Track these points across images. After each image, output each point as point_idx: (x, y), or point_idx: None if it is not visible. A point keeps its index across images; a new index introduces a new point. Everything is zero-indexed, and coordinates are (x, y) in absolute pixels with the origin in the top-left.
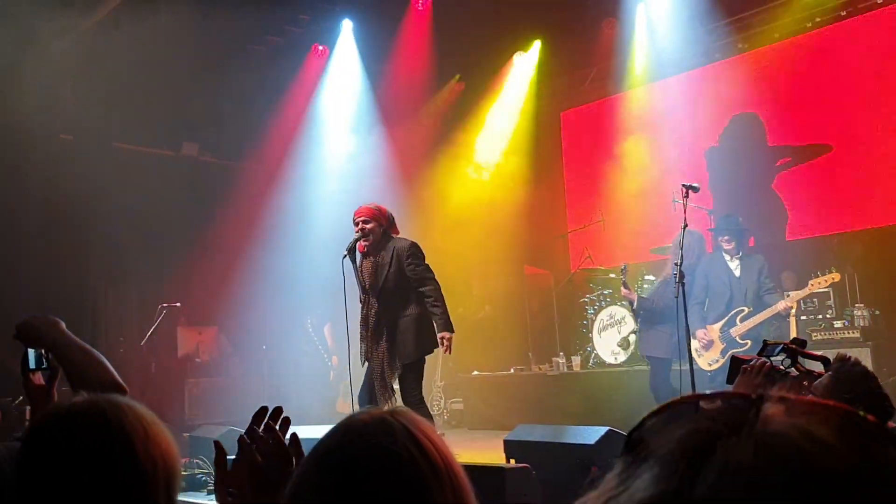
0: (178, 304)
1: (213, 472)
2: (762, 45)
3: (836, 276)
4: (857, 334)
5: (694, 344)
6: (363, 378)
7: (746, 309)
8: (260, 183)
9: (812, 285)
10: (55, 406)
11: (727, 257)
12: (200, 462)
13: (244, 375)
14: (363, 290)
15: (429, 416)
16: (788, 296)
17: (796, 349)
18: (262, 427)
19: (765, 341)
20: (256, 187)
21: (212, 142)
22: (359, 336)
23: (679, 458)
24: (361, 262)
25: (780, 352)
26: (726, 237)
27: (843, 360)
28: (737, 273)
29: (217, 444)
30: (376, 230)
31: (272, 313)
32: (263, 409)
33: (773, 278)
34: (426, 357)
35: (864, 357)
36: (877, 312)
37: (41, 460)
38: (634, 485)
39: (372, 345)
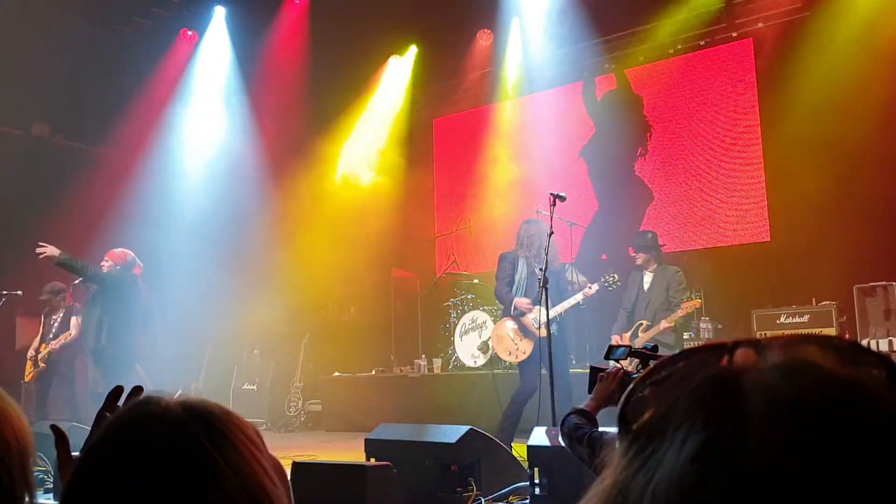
0: (20, 293)
1: (51, 469)
2: (627, 66)
3: (698, 303)
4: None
5: None
6: None
7: (645, 322)
8: (118, 169)
9: (683, 308)
10: None
11: (643, 270)
12: (38, 459)
13: (90, 370)
14: None
15: None
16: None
17: (647, 353)
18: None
19: (610, 345)
20: (114, 173)
21: (66, 123)
22: None
23: (709, 404)
24: None
25: (629, 355)
26: (641, 253)
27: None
28: (646, 286)
29: (55, 428)
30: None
31: None
32: (118, 389)
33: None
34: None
35: None
36: (719, 326)
37: None
38: (660, 457)
39: None
